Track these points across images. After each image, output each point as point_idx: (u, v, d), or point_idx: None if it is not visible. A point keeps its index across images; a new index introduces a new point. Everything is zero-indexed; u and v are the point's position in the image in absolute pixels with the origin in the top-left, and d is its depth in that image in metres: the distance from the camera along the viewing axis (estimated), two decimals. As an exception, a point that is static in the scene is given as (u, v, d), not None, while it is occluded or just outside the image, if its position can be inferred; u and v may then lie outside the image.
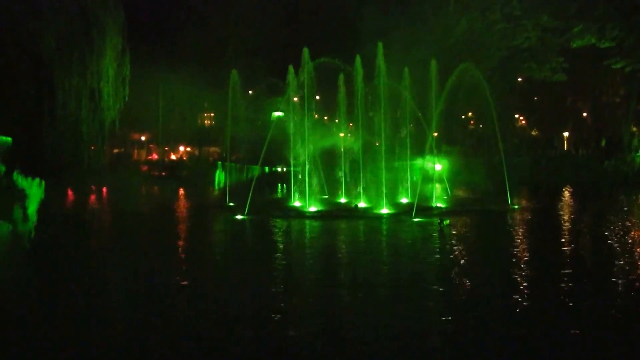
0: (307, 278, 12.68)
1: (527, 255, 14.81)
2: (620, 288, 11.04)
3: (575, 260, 14.14)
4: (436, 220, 19.94)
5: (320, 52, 27.24)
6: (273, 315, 9.34)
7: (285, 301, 10.49)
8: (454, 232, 18.66)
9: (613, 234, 17.56)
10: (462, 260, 14.08)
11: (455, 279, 12.19)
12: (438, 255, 14.90)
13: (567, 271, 12.52)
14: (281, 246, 17.35)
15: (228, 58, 52.93)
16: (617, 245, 15.74)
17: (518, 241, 17.25)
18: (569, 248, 15.96)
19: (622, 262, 13.27)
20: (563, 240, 17.35)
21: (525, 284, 11.39)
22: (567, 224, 21.35)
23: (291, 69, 27.05)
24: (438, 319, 9.23)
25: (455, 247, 16.05)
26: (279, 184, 37.71)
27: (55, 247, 16.28)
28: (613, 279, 11.72)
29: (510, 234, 18.71)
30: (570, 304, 10.01)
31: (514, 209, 24.61)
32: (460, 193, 32.03)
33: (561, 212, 24.75)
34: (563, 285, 11.17)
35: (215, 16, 57.89)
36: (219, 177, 40.79)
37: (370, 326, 8.84)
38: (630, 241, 16.36)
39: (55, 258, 14.73)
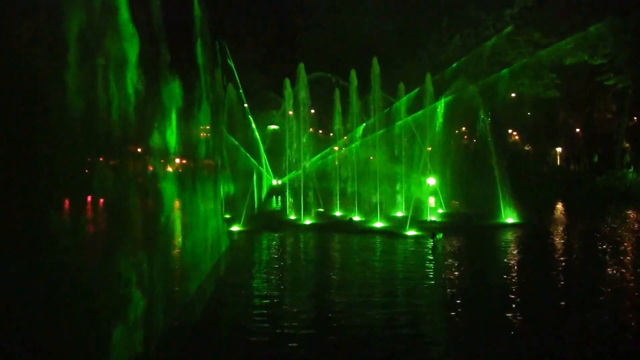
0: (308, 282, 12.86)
1: (515, 273, 14.87)
2: (616, 306, 11.12)
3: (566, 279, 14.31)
4: (428, 236, 20.14)
5: (316, 67, 27.57)
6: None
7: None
8: (446, 246, 18.83)
9: (606, 252, 17.78)
10: (448, 276, 14.27)
11: (437, 295, 12.35)
12: (425, 270, 15.06)
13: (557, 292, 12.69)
14: (275, 257, 17.51)
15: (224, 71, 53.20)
16: (608, 261, 15.94)
17: (508, 258, 17.40)
18: (560, 267, 16.14)
19: (618, 280, 13.40)
20: (551, 258, 17.43)
21: (508, 306, 11.34)
22: (558, 241, 21.48)
23: (287, 83, 27.35)
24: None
25: (445, 263, 16.25)
26: (274, 197, 37.74)
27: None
28: (607, 301, 11.73)
29: (502, 251, 18.90)
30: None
31: (507, 224, 24.71)
32: (455, 207, 32.08)
33: (552, 229, 24.62)
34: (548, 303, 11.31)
35: (212, 28, 58.22)
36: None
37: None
38: (623, 258, 16.56)
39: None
